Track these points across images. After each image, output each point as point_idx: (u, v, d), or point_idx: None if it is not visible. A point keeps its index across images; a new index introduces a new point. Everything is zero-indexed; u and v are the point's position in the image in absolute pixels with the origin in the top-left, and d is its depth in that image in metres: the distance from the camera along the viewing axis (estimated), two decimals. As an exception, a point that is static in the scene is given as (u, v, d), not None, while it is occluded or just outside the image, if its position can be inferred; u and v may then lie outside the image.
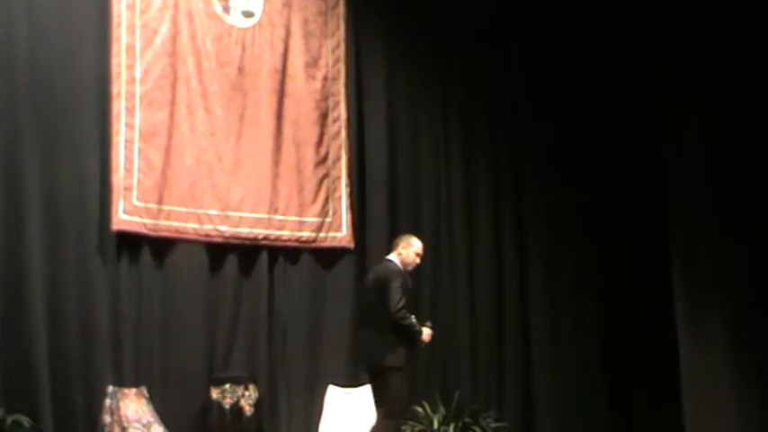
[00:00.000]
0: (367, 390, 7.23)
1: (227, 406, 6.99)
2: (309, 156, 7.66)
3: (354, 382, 7.36)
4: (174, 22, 7.22)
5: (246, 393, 7.07)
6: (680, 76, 7.63)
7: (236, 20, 7.49)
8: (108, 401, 6.57)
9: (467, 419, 7.52)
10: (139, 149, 7.02)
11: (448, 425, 7.44)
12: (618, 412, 8.27)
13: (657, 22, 7.72)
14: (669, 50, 7.74)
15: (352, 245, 7.72)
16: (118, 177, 6.92)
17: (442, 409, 7.52)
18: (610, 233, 8.46)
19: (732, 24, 7.31)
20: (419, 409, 7.50)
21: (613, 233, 8.44)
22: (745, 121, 7.27)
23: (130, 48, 7.03)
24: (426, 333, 6.56)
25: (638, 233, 8.24)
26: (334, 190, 7.73)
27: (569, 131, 8.53)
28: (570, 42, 8.55)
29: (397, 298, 6.36)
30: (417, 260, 6.69)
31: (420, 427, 7.47)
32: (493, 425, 7.63)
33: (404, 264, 6.62)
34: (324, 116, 7.75)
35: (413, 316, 6.46)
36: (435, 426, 7.43)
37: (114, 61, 6.98)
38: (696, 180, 7.53)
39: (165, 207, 7.10)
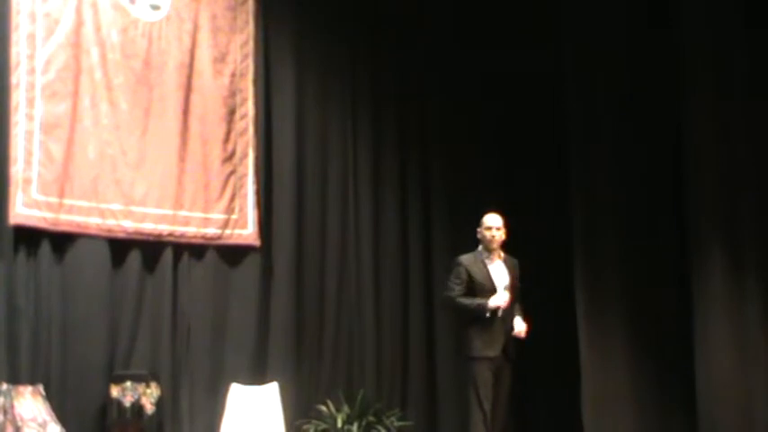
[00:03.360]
0: (271, 388, 7.23)
1: (128, 404, 6.88)
2: (216, 152, 7.59)
3: (258, 381, 7.33)
4: (78, 12, 7.06)
5: (148, 391, 6.97)
6: (585, 82, 7.81)
7: (142, 12, 7.37)
8: (1, 400, 6.38)
9: (371, 418, 7.55)
10: (40, 142, 6.86)
11: (352, 423, 7.45)
12: (520, 410, 8.37)
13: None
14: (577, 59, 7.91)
15: (257, 242, 7.68)
16: (16, 170, 6.75)
17: (345, 408, 7.53)
18: (515, 233, 8.54)
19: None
20: (323, 407, 7.51)
21: (519, 233, 8.52)
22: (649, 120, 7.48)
23: (31, 37, 6.86)
24: (495, 300, 6.27)
25: (543, 235, 8.35)
26: (241, 187, 7.67)
27: (479, 129, 8.59)
28: (483, 37, 8.58)
29: (447, 285, 6.43)
30: (494, 234, 6.40)
31: (324, 425, 7.48)
32: (397, 423, 7.66)
33: (486, 245, 6.41)
34: (231, 113, 7.69)
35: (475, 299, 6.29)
36: (339, 424, 7.44)
37: (13, 50, 6.80)
38: (599, 180, 7.68)
39: (67, 201, 6.95)
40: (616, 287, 7.42)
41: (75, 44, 7.05)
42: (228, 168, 7.63)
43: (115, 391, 6.88)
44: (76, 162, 7.01)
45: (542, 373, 8.25)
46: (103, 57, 7.16)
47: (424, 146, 8.54)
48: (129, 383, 6.91)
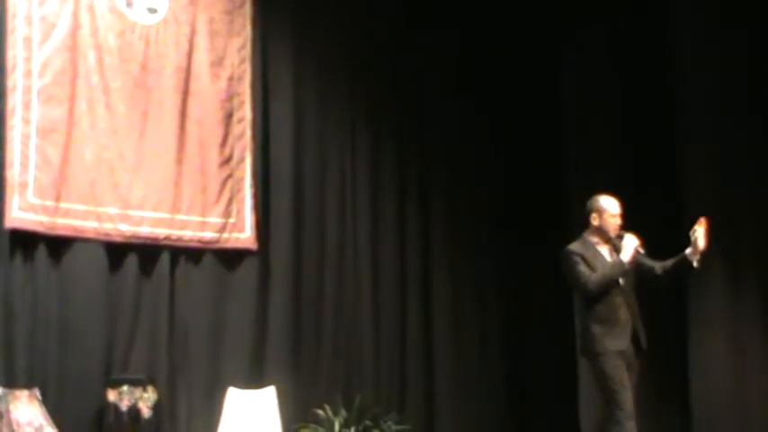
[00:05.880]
0: (269, 392, 7.21)
1: (125, 408, 6.85)
2: (213, 156, 7.57)
3: (255, 385, 7.31)
4: (75, 16, 7.06)
5: (145, 395, 6.95)
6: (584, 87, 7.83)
7: (139, 16, 7.36)
8: (-3, 404, 6.41)
9: (368, 422, 7.52)
10: (36, 145, 6.85)
11: (349, 428, 7.42)
12: (519, 415, 8.37)
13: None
14: (578, 65, 7.94)
15: (255, 246, 7.66)
16: (12, 174, 6.74)
17: (343, 412, 7.50)
18: (514, 236, 8.55)
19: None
20: (320, 412, 7.48)
21: (518, 237, 8.53)
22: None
23: (27, 40, 6.86)
24: (628, 243, 5.62)
25: (542, 239, 8.34)
26: (238, 191, 7.65)
27: (478, 134, 8.59)
28: (483, 41, 8.58)
29: (578, 276, 5.64)
30: (618, 222, 5.73)
31: (321, 430, 7.44)
32: (394, 428, 7.63)
33: (606, 233, 5.71)
34: (228, 116, 7.67)
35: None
36: (337, 429, 7.41)
37: (10, 53, 6.79)
38: (596, 183, 7.68)
39: (63, 205, 6.94)
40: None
41: (72, 48, 7.04)
42: (226, 172, 7.62)
43: (112, 396, 6.86)
44: (73, 166, 7.00)
45: (543, 381, 8.26)
46: (100, 60, 7.15)
47: (423, 148, 8.51)
48: (125, 387, 6.90)
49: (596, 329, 5.64)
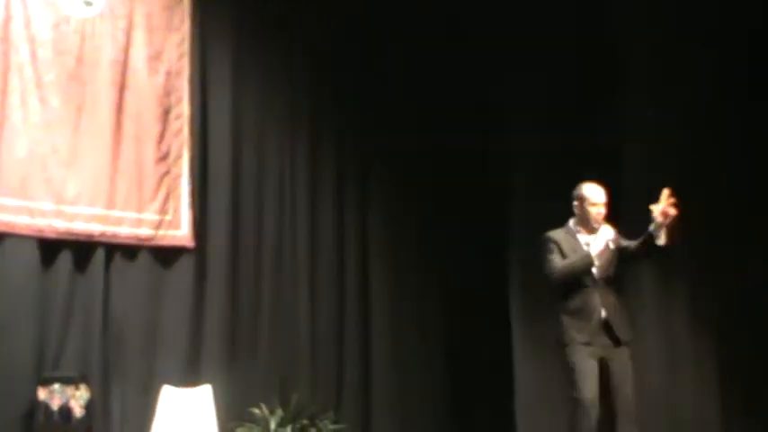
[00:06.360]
0: (204, 390, 7.15)
1: (56, 407, 6.76)
2: (150, 152, 7.48)
3: (190, 383, 7.24)
4: (6, 7, 6.95)
5: (77, 394, 6.85)
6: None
7: (74, 9, 7.25)
8: (-77, 402, 6.27)
9: (304, 422, 7.48)
10: (-34, 140, 6.76)
11: (285, 427, 7.39)
12: (458, 414, 8.39)
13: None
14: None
15: (192, 244, 7.58)
16: (-59, 168, 6.65)
17: (279, 411, 7.46)
18: (455, 235, 8.58)
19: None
20: (256, 410, 7.43)
21: (458, 235, 8.56)
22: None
23: (-44, 32, 6.77)
24: (600, 235, 5.50)
25: (483, 235, 8.40)
26: (175, 188, 7.56)
27: (419, 135, 8.58)
28: (422, 46, 8.59)
29: (547, 263, 5.55)
30: (600, 211, 5.59)
31: (257, 429, 7.40)
32: (330, 427, 7.61)
33: (590, 222, 5.59)
34: (166, 112, 7.58)
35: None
36: (272, 428, 7.37)
37: (-61, 45, 6.71)
38: (535, 191, 7.74)
39: (-6, 200, 6.84)
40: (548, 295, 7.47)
41: (4, 39, 6.93)
42: (163, 168, 7.53)
43: (42, 394, 6.75)
44: (5, 160, 6.89)
45: (483, 379, 8.29)
46: (33, 53, 7.04)
47: (363, 146, 8.48)
48: (57, 386, 6.79)
49: (566, 320, 5.56)
